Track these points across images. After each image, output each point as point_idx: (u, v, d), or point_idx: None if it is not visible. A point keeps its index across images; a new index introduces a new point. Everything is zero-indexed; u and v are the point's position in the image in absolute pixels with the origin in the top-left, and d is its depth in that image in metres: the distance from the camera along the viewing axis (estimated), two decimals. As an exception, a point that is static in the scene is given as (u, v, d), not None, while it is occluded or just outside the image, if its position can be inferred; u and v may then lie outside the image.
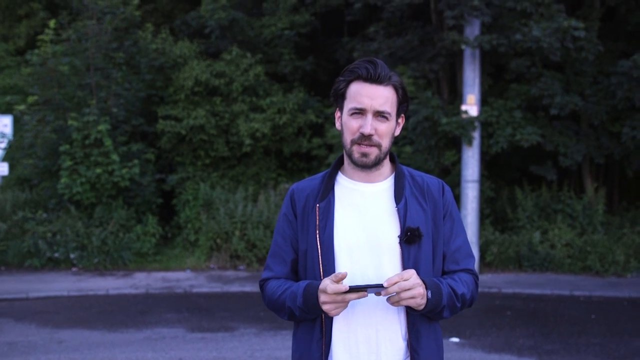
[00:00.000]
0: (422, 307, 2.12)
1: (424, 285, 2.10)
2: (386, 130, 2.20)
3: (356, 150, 2.21)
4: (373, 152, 2.20)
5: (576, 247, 11.34)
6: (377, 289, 2.04)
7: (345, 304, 2.08)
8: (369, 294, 2.08)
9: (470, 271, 2.32)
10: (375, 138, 2.18)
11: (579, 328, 7.79)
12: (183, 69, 13.36)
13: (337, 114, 2.30)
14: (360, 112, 2.18)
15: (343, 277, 2.06)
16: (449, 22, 11.02)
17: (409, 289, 2.05)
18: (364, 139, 2.18)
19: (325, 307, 2.08)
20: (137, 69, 13.71)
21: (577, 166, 12.22)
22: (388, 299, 2.09)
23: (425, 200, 2.28)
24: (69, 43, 13.25)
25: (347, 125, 2.22)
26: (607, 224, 12.10)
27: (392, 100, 2.20)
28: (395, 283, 2.04)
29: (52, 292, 9.92)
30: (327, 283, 2.06)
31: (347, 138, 2.23)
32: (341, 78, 2.24)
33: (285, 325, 7.60)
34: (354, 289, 2.03)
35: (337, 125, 2.31)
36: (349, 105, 2.21)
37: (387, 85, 2.18)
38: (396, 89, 2.20)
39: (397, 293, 2.06)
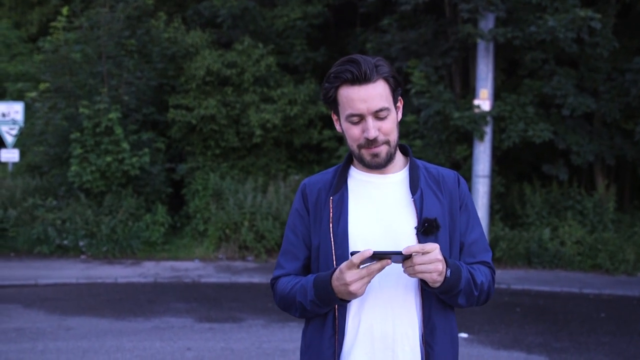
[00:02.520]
0: (438, 284, 2.04)
1: (444, 263, 2.03)
2: (390, 126, 2.13)
3: (366, 154, 2.16)
4: (383, 150, 2.14)
5: (586, 244, 11.26)
6: (399, 256, 1.97)
7: (369, 278, 2.00)
8: (392, 262, 2.01)
9: (488, 264, 2.27)
10: (381, 137, 2.13)
11: (588, 326, 7.74)
12: (195, 58, 13.34)
13: (334, 117, 2.24)
14: (358, 118, 2.12)
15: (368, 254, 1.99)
16: (464, 15, 10.94)
17: (425, 264, 1.98)
18: (371, 142, 2.12)
19: (352, 288, 1.98)
20: (149, 58, 13.70)
21: (588, 164, 12.14)
22: (405, 268, 2.02)
23: (442, 192, 2.22)
24: (81, 31, 13.26)
25: (349, 132, 2.16)
26: (618, 221, 12.01)
27: (387, 93, 2.11)
28: (415, 252, 1.97)
29: (60, 279, 9.96)
30: (349, 261, 1.98)
31: (353, 144, 2.18)
32: (327, 84, 2.15)
33: (294, 317, 7.58)
34: (377, 255, 1.96)
35: (337, 127, 2.25)
36: (344, 112, 2.14)
37: (376, 80, 2.09)
38: (386, 80, 2.11)
39: (413, 266, 1.99)
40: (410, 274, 2.01)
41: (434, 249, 1.99)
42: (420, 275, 1.99)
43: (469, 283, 2.13)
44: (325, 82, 2.17)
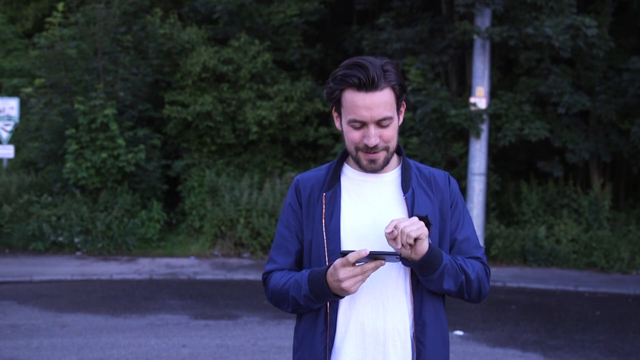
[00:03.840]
0: (426, 248, 2.03)
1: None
2: (391, 133, 2.14)
3: (363, 158, 2.17)
4: (381, 157, 2.16)
5: (581, 242, 11.29)
6: (395, 257, 1.98)
7: (363, 277, 2.01)
8: (386, 262, 2.02)
9: (479, 259, 2.27)
10: (381, 144, 2.13)
11: (583, 324, 7.75)
12: (191, 54, 13.30)
13: (335, 114, 2.24)
14: (360, 124, 2.12)
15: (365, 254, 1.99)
16: (460, 9, 10.92)
17: (408, 225, 1.98)
18: (370, 148, 2.13)
19: (345, 285, 1.99)
20: (144, 54, 13.66)
21: (584, 162, 12.15)
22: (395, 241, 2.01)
23: (432, 191, 2.25)
24: (77, 26, 13.22)
25: (349, 135, 2.16)
26: (613, 220, 12.04)
27: (391, 101, 2.11)
28: (395, 227, 1.98)
29: (55, 275, 9.93)
30: (344, 258, 1.99)
31: (351, 147, 2.18)
32: (332, 84, 2.14)
33: (289, 314, 7.58)
34: (373, 255, 1.97)
35: (337, 125, 2.25)
36: (346, 115, 2.14)
37: (383, 88, 2.08)
38: (393, 88, 2.10)
39: (402, 230, 1.98)
40: (404, 241, 1.99)
41: (406, 218, 2.03)
42: (415, 233, 1.98)
43: (452, 264, 2.13)
44: (330, 82, 2.16)
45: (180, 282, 9.84)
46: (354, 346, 2.14)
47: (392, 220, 2.01)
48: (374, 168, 2.18)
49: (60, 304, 8.27)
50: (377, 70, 2.07)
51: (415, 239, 2.00)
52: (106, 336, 6.80)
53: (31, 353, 6.23)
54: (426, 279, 2.11)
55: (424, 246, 2.03)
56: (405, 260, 2.08)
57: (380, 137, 2.12)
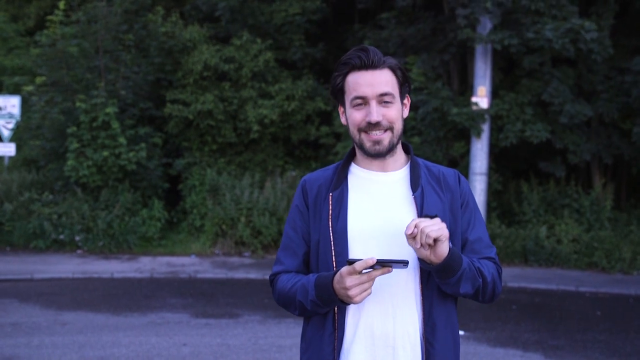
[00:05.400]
0: (446, 251, 2.00)
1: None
2: (395, 113, 2.14)
3: (366, 140, 2.15)
4: (386, 138, 2.14)
5: (583, 242, 11.28)
6: (402, 264, 1.95)
7: (370, 287, 1.99)
8: (393, 269, 1.99)
9: (492, 259, 2.25)
10: (385, 122, 2.13)
11: (584, 324, 7.75)
12: (192, 53, 13.29)
13: (341, 109, 2.25)
14: (362, 100, 2.13)
15: (372, 263, 1.97)
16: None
17: (429, 225, 1.95)
18: (373, 127, 2.12)
19: (351, 292, 1.98)
20: (146, 52, 13.66)
21: (585, 162, 12.14)
22: (415, 242, 1.97)
23: (442, 190, 2.22)
24: (78, 25, 13.22)
25: (352, 117, 2.16)
26: (615, 220, 12.02)
27: (393, 82, 2.15)
28: (415, 226, 1.95)
29: (56, 273, 9.94)
30: (351, 266, 1.96)
31: (354, 130, 2.17)
32: (336, 73, 2.19)
33: (290, 313, 7.57)
34: (380, 262, 1.95)
35: (343, 120, 2.25)
36: (349, 97, 2.16)
37: (383, 68, 2.14)
38: (393, 70, 2.16)
39: (423, 230, 1.95)
40: (422, 241, 1.96)
41: (428, 219, 2.00)
42: (435, 233, 1.95)
43: (471, 268, 2.10)
44: (334, 72, 2.20)
45: (181, 281, 9.84)
46: (363, 347, 2.12)
47: (413, 220, 1.99)
48: (379, 150, 2.15)
49: (61, 302, 8.27)
50: (377, 52, 2.15)
51: (435, 240, 1.97)
52: (107, 334, 6.80)
53: (32, 351, 6.23)
54: (443, 282, 2.09)
55: (444, 248, 2.00)
56: (424, 263, 2.05)
57: (384, 116, 2.12)
